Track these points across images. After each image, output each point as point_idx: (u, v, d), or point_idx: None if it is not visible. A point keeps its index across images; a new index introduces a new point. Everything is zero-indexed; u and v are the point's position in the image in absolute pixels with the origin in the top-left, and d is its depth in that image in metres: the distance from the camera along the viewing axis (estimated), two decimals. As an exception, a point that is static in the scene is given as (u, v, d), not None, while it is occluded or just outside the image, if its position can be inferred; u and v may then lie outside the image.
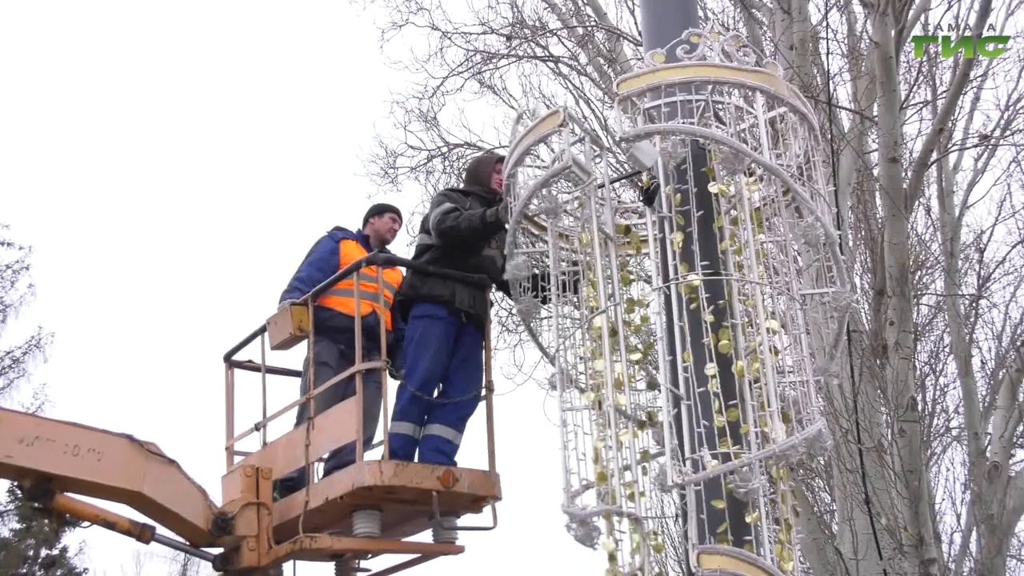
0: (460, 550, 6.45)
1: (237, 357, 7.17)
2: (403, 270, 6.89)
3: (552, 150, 5.52)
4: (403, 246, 14.93)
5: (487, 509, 6.39)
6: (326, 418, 6.34)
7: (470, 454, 6.45)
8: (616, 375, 4.82)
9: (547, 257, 5.53)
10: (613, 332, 4.92)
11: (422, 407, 6.36)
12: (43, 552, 25.91)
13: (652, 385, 5.42)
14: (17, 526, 25.61)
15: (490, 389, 6.50)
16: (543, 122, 5.24)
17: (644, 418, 5.22)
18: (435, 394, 6.43)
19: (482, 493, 6.26)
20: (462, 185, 7.30)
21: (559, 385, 5.10)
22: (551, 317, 5.47)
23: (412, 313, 6.45)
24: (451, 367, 6.43)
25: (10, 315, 25.32)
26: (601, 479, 4.81)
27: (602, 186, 5.25)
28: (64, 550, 26.17)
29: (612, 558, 4.71)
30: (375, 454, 6.33)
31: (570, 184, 5.55)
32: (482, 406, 6.51)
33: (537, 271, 5.85)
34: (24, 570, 25.35)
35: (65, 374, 41.41)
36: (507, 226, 5.60)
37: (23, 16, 51.44)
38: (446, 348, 6.37)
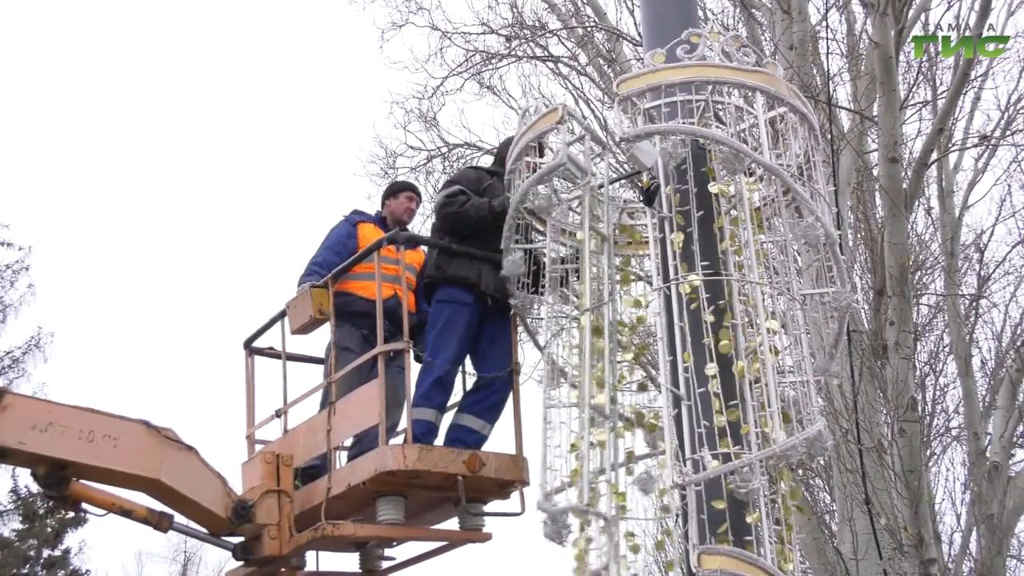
0: (487, 537, 6.27)
1: (257, 345, 7.01)
2: (426, 251, 6.70)
3: (551, 150, 5.52)
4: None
5: (515, 495, 6.20)
6: (347, 403, 6.19)
7: (495, 438, 6.30)
8: (598, 375, 4.79)
9: (545, 252, 5.52)
10: (598, 332, 4.90)
11: (445, 393, 6.20)
12: (45, 552, 25.89)
13: (643, 386, 5.40)
14: (19, 526, 25.61)
15: (516, 371, 6.33)
16: (543, 118, 5.24)
17: (631, 416, 5.19)
18: (457, 378, 6.29)
19: (509, 478, 6.05)
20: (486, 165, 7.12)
21: (545, 381, 5.09)
22: (547, 314, 5.46)
23: (436, 297, 6.27)
24: (478, 353, 6.29)
25: (10, 315, 25.37)
26: (575, 477, 4.78)
27: (602, 186, 5.24)
28: (67, 551, 26.16)
29: (579, 558, 4.67)
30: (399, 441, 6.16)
31: (568, 183, 5.55)
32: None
33: (536, 264, 5.82)
34: (26, 570, 25.33)
35: (65, 374, 41.34)
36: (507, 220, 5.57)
37: (23, 16, 51.49)
38: (471, 334, 6.22)
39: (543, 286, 5.62)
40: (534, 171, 5.42)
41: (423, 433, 6.05)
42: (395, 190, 7.23)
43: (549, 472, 4.86)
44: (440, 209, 6.29)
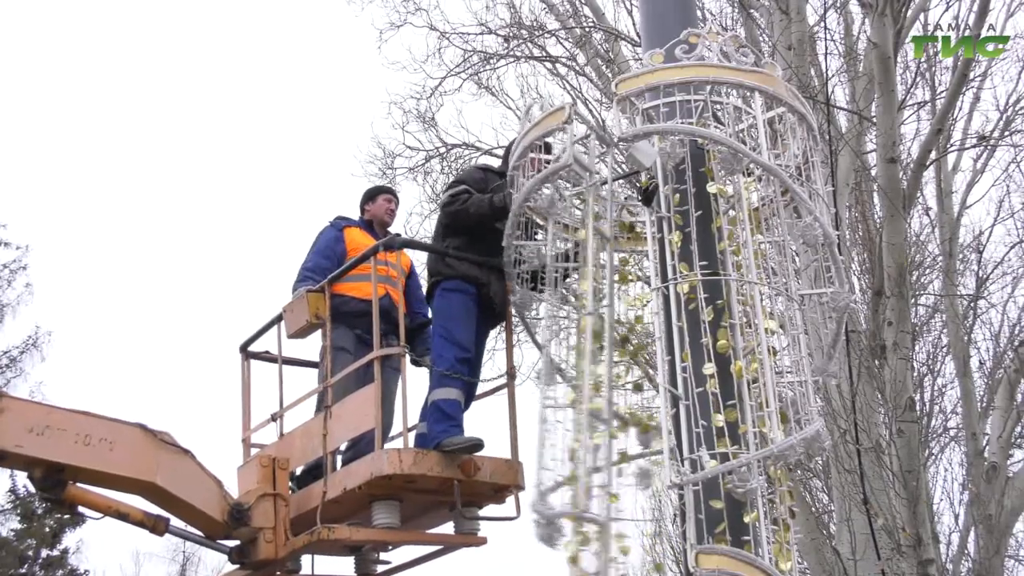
0: (483, 542, 6.26)
1: (253, 349, 7.01)
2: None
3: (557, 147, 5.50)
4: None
5: (510, 499, 6.19)
6: (343, 407, 6.19)
7: (491, 443, 6.23)
8: (596, 378, 4.78)
9: (544, 249, 5.51)
10: (597, 335, 4.89)
11: (467, 370, 6.12)
12: (43, 552, 25.88)
13: (639, 386, 5.39)
14: (18, 526, 25.59)
15: (511, 375, 6.32)
16: (548, 117, 5.22)
17: (626, 416, 5.17)
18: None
19: (504, 482, 6.05)
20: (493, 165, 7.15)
21: (544, 379, 5.08)
22: (546, 312, 5.45)
23: (443, 287, 6.21)
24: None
25: (7, 314, 25.30)
26: (571, 481, 4.77)
27: (605, 183, 5.21)
28: (65, 551, 26.14)
29: (574, 561, 4.66)
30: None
31: (570, 184, 5.54)
32: (503, 394, 6.34)
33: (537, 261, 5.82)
34: (24, 570, 25.32)
35: (63, 373, 41.30)
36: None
37: (23, 16, 51.47)
38: (474, 321, 6.19)
39: (542, 283, 5.61)
40: (538, 169, 5.42)
41: (455, 413, 5.97)
42: (372, 194, 7.30)
43: (544, 472, 4.85)
44: (443, 207, 6.32)
